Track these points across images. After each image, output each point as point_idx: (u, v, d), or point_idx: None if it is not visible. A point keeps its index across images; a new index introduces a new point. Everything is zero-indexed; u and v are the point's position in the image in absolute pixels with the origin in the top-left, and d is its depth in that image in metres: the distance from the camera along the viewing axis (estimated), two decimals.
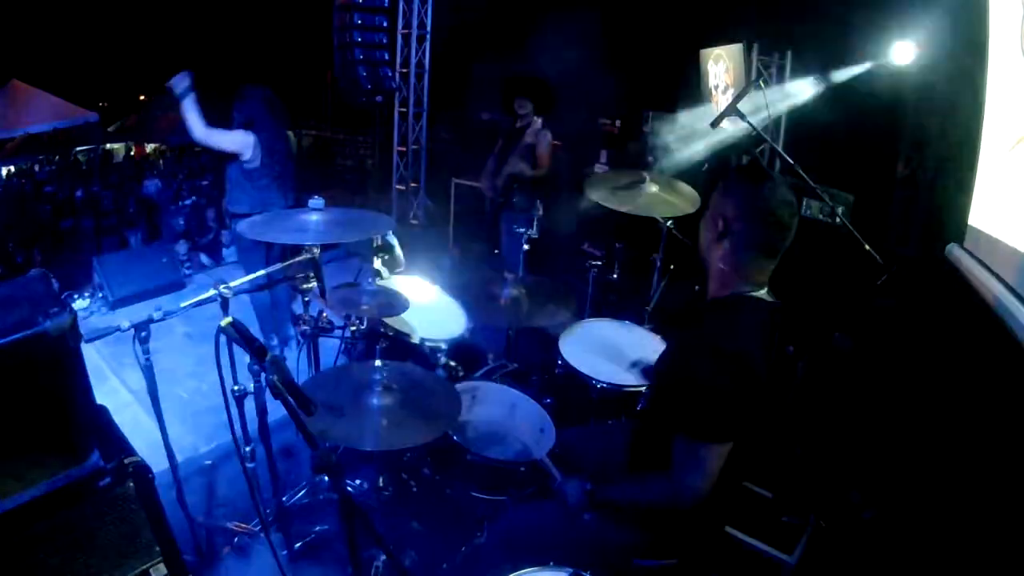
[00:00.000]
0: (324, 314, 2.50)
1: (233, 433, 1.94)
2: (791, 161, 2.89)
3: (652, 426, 1.63)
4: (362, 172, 9.27)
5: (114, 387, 3.42)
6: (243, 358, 1.63)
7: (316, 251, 2.24)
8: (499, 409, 2.26)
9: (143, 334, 1.89)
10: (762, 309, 1.51)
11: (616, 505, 1.60)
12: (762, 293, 1.52)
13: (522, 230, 3.04)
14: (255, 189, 3.45)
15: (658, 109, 5.34)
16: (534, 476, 1.99)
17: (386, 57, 6.59)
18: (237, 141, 3.35)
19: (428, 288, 2.79)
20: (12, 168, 10.37)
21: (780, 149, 3.72)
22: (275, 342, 3.79)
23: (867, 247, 2.59)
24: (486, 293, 2.59)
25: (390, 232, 2.44)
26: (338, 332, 2.58)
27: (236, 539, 2.33)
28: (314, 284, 2.32)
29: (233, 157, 3.42)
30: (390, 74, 6.59)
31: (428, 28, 6.49)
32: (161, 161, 11.47)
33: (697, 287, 1.64)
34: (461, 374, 2.47)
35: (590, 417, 2.28)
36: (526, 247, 3.03)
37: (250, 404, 2.06)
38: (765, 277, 1.53)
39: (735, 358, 1.40)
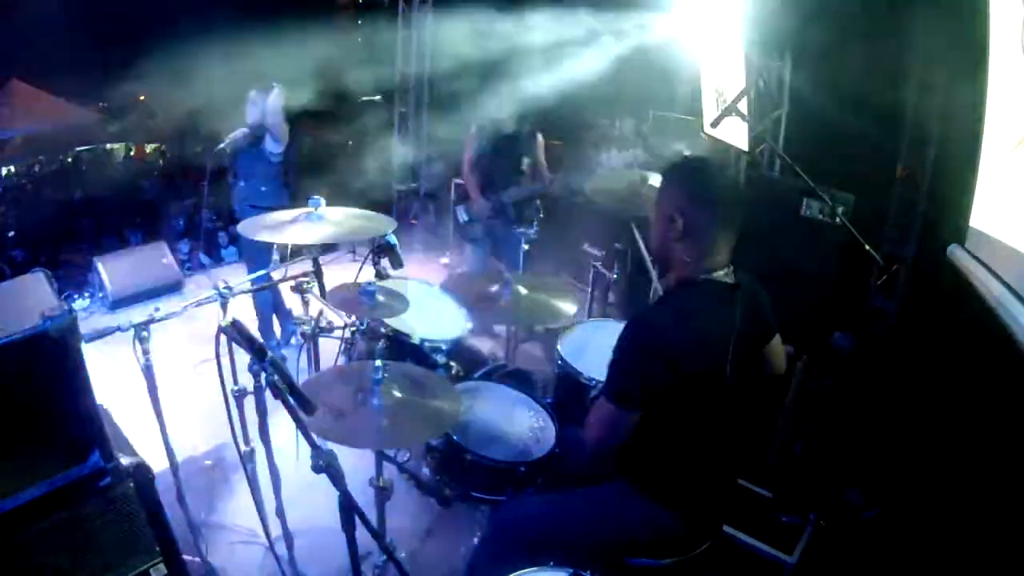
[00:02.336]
0: (324, 314, 2.50)
1: (233, 433, 1.95)
2: (790, 161, 2.89)
3: None
4: (362, 172, 9.25)
5: (114, 387, 3.42)
6: (243, 358, 1.63)
7: (316, 250, 2.25)
8: (499, 409, 2.26)
9: (143, 334, 1.89)
10: (718, 290, 1.54)
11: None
12: (721, 274, 1.55)
13: (522, 230, 3.05)
14: (283, 184, 3.48)
15: (658, 109, 5.34)
16: (534, 476, 1.99)
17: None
18: (286, 132, 3.45)
19: (428, 288, 2.79)
20: (12, 168, 10.35)
21: (780, 149, 3.73)
22: (274, 341, 3.79)
23: (867, 247, 2.59)
24: (486, 293, 2.59)
25: (390, 232, 2.44)
26: (338, 332, 2.58)
27: (236, 539, 2.34)
28: (314, 284, 2.32)
29: (258, 151, 3.44)
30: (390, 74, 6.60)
31: (428, 28, 6.49)
32: (161, 161, 11.45)
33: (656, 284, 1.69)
34: (461, 374, 2.47)
35: None
36: (526, 247, 3.03)
37: (250, 404, 2.07)
38: (725, 257, 1.56)
39: (658, 332, 1.47)
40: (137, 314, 1.90)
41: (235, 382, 1.99)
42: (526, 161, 3.68)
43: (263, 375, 1.23)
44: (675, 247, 1.56)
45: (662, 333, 1.48)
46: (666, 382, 1.47)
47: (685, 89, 4.70)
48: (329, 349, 2.70)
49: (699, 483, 1.58)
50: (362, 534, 1.23)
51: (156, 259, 4.94)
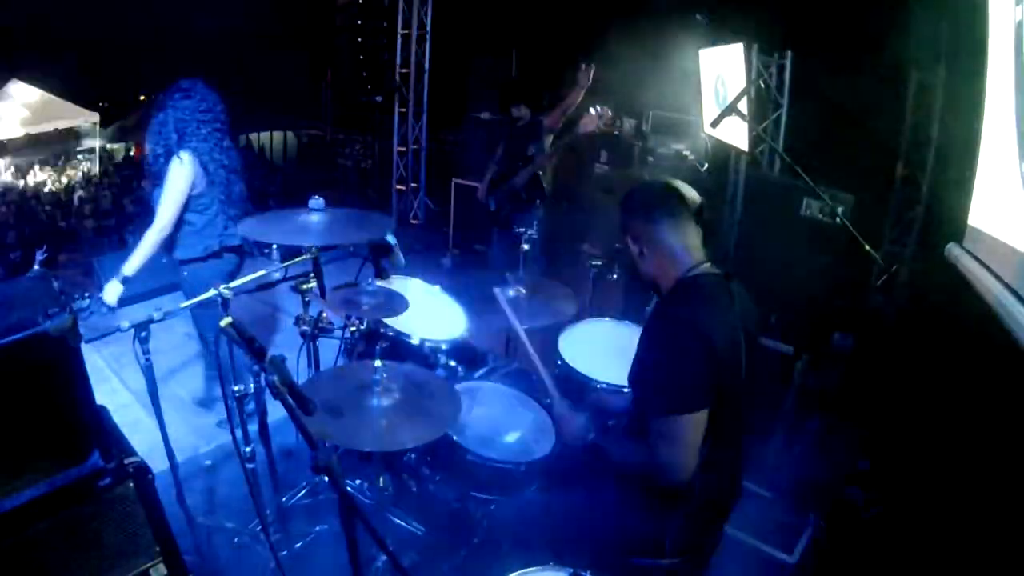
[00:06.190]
0: (324, 314, 2.50)
1: (233, 433, 1.94)
2: (791, 161, 2.89)
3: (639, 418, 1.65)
4: (362, 172, 9.27)
5: (114, 387, 3.42)
6: (243, 358, 1.62)
7: (316, 250, 2.24)
8: (499, 409, 2.26)
9: (143, 334, 1.89)
10: (714, 284, 1.56)
11: (606, 456, 1.65)
12: (707, 267, 1.57)
13: (522, 230, 3.04)
14: (207, 223, 2.79)
15: (658, 108, 5.34)
16: (534, 476, 1.99)
17: (386, 57, 6.60)
18: (181, 184, 2.64)
19: (428, 288, 2.79)
20: (12, 168, 10.36)
21: (780, 149, 3.74)
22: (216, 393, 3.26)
23: (867, 247, 2.59)
24: (486, 293, 2.59)
25: (390, 233, 2.44)
26: (338, 332, 2.58)
27: (236, 539, 2.34)
28: (314, 284, 2.32)
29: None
30: (390, 74, 6.60)
31: (428, 28, 6.49)
32: None
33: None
34: (461, 374, 2.46)
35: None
36: (526, 247, 3.03)
37: (250, 404, 2.07)
38: (699, 250, 1.59)
39: (690, 324, 1.47)
40: (137, 314, 1.89)
41: (235, 382, 1.98)
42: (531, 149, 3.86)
43: (263, 375, 1.23)
44: (647, 263, 1.61)
45: (694, 326, 1.47)
46: (712, 372, 1.46)
47: (685, 89, 4.70)
48: (329, 349, 2.70)
49: (702, 483, 1.57)
50: (362, 534, 1.23)
51: (156, 259, 4.92)
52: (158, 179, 2.72)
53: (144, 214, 2.89)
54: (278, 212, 2.48)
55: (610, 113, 3.54)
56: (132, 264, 2.70)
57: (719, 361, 1.45)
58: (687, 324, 1.47)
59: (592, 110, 3.54)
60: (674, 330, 1.50)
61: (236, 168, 2.87)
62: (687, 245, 1.57)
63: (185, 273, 2.92)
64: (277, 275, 2.28)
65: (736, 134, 4.04)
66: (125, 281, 2.70)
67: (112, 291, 2.67)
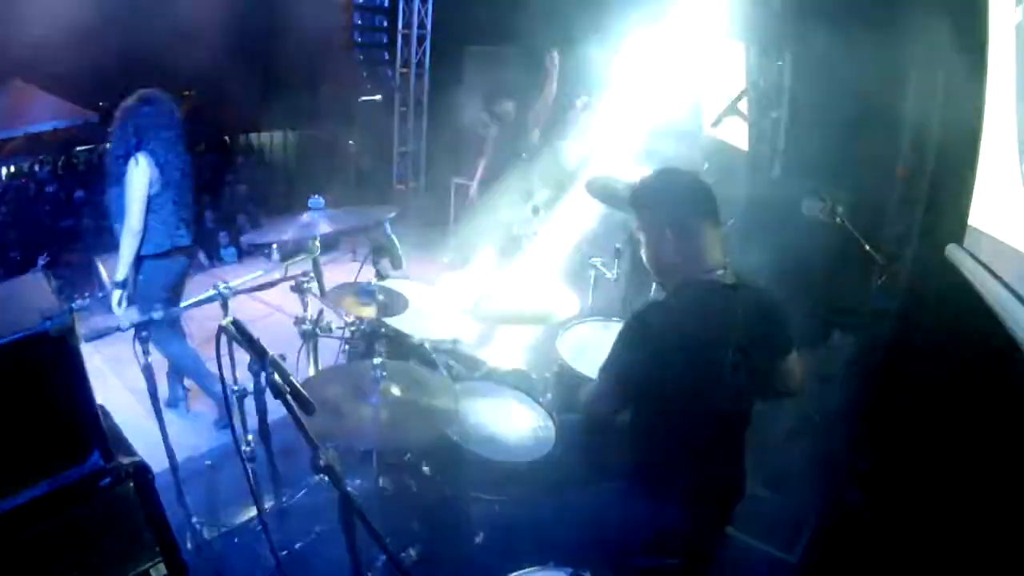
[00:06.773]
0: (324, 314, 2.50)
1: (233, 433, 1.94)
2: (790, 161, 2.89)
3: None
4: (361, 172, 9.28)
5: (114, 387, 3.42)
6: (243, 358, 1.62)
7: (316, 250, 2.24)
8: (499, 409, 2.26)
9: (143, 334, 1.89)
10: (714, 290, 1.53)
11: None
12: (720, 273, 1.55)
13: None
14: (160, 223, 2.88)
15: (656, 108, 5.33)
16: (534, 476, 1.99)
17: (386, 57, 6.60)
18: (140, 185, 2.77)
19: (428, 288, 2.79)
20: (12, 168, 10.35)
21: (780, 149, 3.73)
22: (180, 393, 3.37)
23: (867, 247, 2.59)
24: (486, 293, 2.59)
25: (389, 231, 2.44)
26: (338, 332, 2.58)
27: (236, 539, 2.34)
28: (314, 284, 2.32)
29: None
30: (390, 74, 6.60)
31: (428, 28, 6.49)
32: None
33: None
34: (461, 374, 2.46)
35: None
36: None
37: (250, 404, 2.07)
38: (719, 253, 1.56)
39: (654, 331, 1.49)
40: (137, 314, 1.89)
41: (235, 382, 1.98)
42: None
43: (263, 375, 1.23)
44: (661, 255, 1.59)
45: (651, 328, 1.50)
46: (651, 375, 1.48)
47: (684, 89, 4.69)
48: (329, 349, 2.70)
49: (701, 483, 1.58)
50: (362, 534, 1.23)
51: None
52: (117, 179, 2.87)
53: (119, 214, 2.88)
54: (277, 219, 2.49)
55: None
56: (121, 271, 2.81)
57: (666, 366, 1.47)
58: (645, 324, 1.52)
59: (577, 102, 3.63)
60: (632, 323, 1.54)
61: (189, 172, 3.00)
62: (707, 245, 1.55)
63: (141, 277, 2.96)
64: (277, 275, 2.29)
65: (736, 134, 4.04)
66: (123, 285, 2.80)
67: (116, 299, 2.80)
